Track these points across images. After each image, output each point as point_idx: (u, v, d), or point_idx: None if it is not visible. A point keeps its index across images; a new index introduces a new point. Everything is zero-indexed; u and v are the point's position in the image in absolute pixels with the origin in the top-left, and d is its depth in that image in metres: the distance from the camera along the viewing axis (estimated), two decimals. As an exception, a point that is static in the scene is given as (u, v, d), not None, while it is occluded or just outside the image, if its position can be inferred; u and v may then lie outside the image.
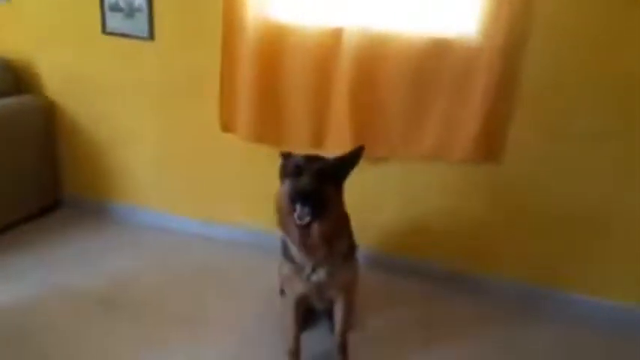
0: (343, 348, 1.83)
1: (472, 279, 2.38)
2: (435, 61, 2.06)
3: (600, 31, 1.93)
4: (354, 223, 2.13)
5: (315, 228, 1.52)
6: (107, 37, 2.53)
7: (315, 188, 1.47)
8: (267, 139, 2.35)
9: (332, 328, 1.97)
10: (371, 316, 2.15)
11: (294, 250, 1.63)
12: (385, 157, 2.26)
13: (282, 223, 1.60)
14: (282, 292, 2.00)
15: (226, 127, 2.41)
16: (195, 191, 2.70)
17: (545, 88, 2.04)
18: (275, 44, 2.20)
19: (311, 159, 1.56)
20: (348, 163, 1.62)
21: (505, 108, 2.06)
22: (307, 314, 1.93)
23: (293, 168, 1.54)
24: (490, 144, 2.10)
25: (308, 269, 1.63)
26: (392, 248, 2.46)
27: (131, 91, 2.61)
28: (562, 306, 2.28)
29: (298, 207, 1.47)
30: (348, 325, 1.84)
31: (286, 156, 1.66)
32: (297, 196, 1.47)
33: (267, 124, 2.32)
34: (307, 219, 1.48)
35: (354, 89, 2.14)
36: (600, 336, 2.13)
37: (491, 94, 2.01)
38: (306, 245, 1.56)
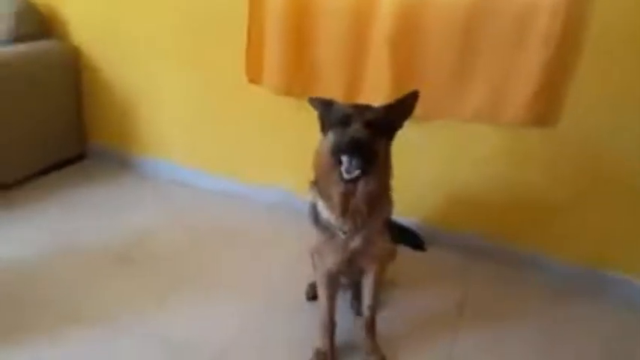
0: (371, 325, 1.65)
1: (518, 255, 2.16)
2: (488, 7, 1.80)
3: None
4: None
5: (361, 186, 1.35)
6: (133, -20, 2.39)
7: (369, 138, 1.29)
8: (297, 92, 2.17)
9: (356, 308, 1.82)
10: (403, 292, 1.97)
11: (327, 213, 1.43)
12: (427, 116, 2.04)
13: (321, 182, 1.43)
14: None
15: (253, 78, 2.24)
16: (221, 147, 2.58)
17: (616, 44, 1.75)
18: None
19: (360, 107, 1.38)
20: (401, 112, 1.44)
21: (567, 63, 1.79)
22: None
23: (341, 117, 1.35)
24: (547, 104, 1.85)
25: (343, 234, 1.44)
26: (430, 218, 2.26)
27: (158, 40, 2.48)
28: (625, 291, 2.03)
29: (346, 159, 1.29)
30: (377, 300, 1.66)
31: (325, 104, 1.46)
32: (347, 147, 1.28)
33: (297, 76, 2.14)
34: (357, 172, 1.29)
35: (394, 39, 1.92)
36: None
37: (553, 46, 1.75)
38: (347, 208, 1.38)
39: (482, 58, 1.87)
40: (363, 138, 1.28)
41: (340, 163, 1.31)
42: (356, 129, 1.30)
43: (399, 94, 1.95)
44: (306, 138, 2.34)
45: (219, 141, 2.57)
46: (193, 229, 2.30)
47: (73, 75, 2.69)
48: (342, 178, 1.31)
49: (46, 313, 1.71)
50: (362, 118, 1.32)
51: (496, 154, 2.06)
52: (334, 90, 2.10)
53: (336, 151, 1.32)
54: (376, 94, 2.00)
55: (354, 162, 1.28)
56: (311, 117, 2.26)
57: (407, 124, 2.08)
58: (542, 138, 1.96)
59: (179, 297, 1.85)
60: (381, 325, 1.69)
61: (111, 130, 2.79)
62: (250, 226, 2.37)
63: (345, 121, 1.33)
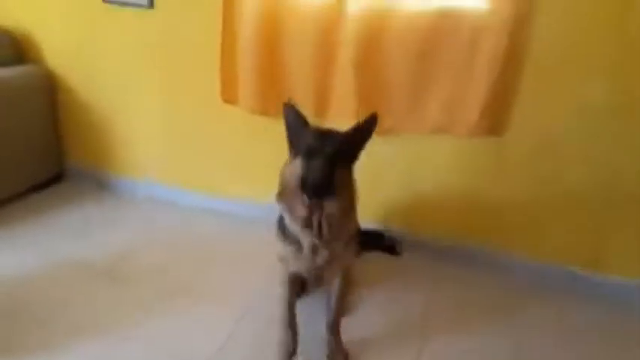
0: (336, 330, 1.77)
1: (480, 256, 2.34)
2: (441, 32, 1.99)
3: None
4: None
5: (325, 209, 1.48)
6: (107, 7, 2.47)
7: (328, 178, 1.41)
8: (269, 110, 2.31)
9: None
10: (370, 294, 2.09)
11: (294, 228, 1.56)
12: (390, 130, 2.21)
13: (287, 200, 1.54)
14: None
15: (227, 98, 2.37)
16: (198, 164, 2.68)
17: (554, 59, 1.98)
18: (277, 13, 2.14)
19: (324, 138, 1.47)
20: (362, 135, 1.55)
21: (512, 80, 2.00)
22: (302, 283, 1.90)
23: (305, 149, 1.46)
24: (496, 117, 2.05)
25: (309, 249, 1.56)
26: (395, 224, 2.43)
27: (132, 61, 2.57)
28: (570, 284, 2.23)
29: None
30: (342, 308, 1.79)
31: (296, 124, 1.56)
32: (310, 185, 1.42)
33: (269, 95, 2.27)
34: (317, 202, 1.44)
35: (359, 60, 2.09)
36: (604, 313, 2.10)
37: (499, 66, 1.95)
38: (312, 226, 1.50)
39: (438, 78, 2.06)
40: (324, 176, 1.40)
41: (304, 192, 1.45)
42: (318, 167, 1.40)
43: (364, 110, 2.14)
44: (282, 152, 2.48)
45: (196, 158, 2.67)
46: (175, 246, 2.39)
47: (48, 98, 2.74)
48: (305, 204, 1.46)
49: (43, 329, 1.78)
50: (323, 151, 1.42)
51: (454, 163, 2.25)
52: (305, 108, 2.23)
53: (300, 185, 1.45)
54: (343, 112, 2.17)
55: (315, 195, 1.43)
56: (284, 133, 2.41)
57: (372, 138, 2.27)
58: (494, 147, 2.16)
59: (165, 310, 1.93)
60: (347, 326, 1.82)
61: (88, 150, 2.86)
62: (231, 240, 2.47)
63: (309, 154, 1.44)
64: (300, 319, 1.77)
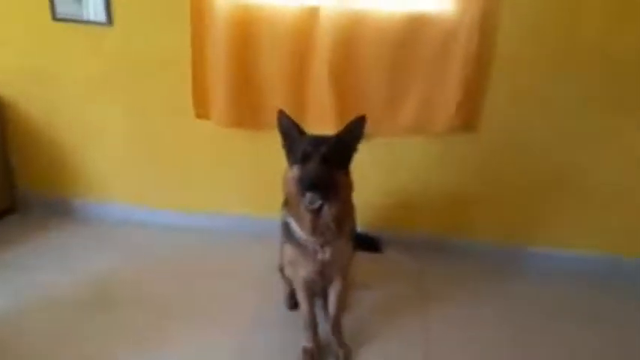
0: (338, 327, 1.85)
1: (455, 245, 2.48)
2: (412, 36, 2.08)
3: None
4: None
5: (326, 210, 1.54)
6: (59, 24, 2.34)
7: (324, 175, 1.47)
8: (244, 123, 2.29)
9: (327, 308, 1.97)
10: (361, 292, 2.17)
11: (298, 232, 1.61)
12: (368, 135, 2.25)
13: (291, 206, 1.60)
14: (282, 270, 1.97)
15: (201, 113, 2.33)
16: (169, 181, 2.60)
17: (520, 57, 2.12)
18: (248, 25, 2.14)
19: (317, 141, 1.53)
20: (353, 136, 1.60)
21: (482, 78, 2.13)
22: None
23: (301, 154, 1.52)
24: (468, 114, 2.17)
25: (314, 249, 1.62)
26: (375, 222, 2.47)
27: (91, 80, 2.44)
28: (539, 261, 2.43)
29: (308, 194, 1.48)
30: (343, 304, 1.86)
31: (290, 133, 1.59)
32: (307, 186, 1.47)
33: (243, 108, 2.26)
34: (318, 203, 1.49)
35: (333, 68, 2.13)
36: (579, 287, 2.31)
37: (469, 65, 2.07)
38: (316, 227, 1.56)
39: (412, 80, 2.15)
40: (320, 176, 1.47)
41: (304, 195, 1.49)
42: (314, 168, 1.48)
43: (341, 119, 2.18)
44: (256, 163, 2.47)
45: (166, 176, 2.59)
46: (149, 266, 2.30)
47: (-4, 127, 2.55)
48: (307, 209, 1.51)
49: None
50: (318, 154, 1.49)
51: (427, 160, 2.36)
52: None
53: (299, 188, 1.50)
54: (321, 120, 2.19)
55: (315, 195, 1.48)
56: (258, 143, 2.39)
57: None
58: (466, 144, 2.28)
59: (159, 334, 1.86)
60: (347, 324, 1.90)
61: (45, 176, 2.68)
62: (206, 254, 2.43)
63: (304, 158, 1.51)
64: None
